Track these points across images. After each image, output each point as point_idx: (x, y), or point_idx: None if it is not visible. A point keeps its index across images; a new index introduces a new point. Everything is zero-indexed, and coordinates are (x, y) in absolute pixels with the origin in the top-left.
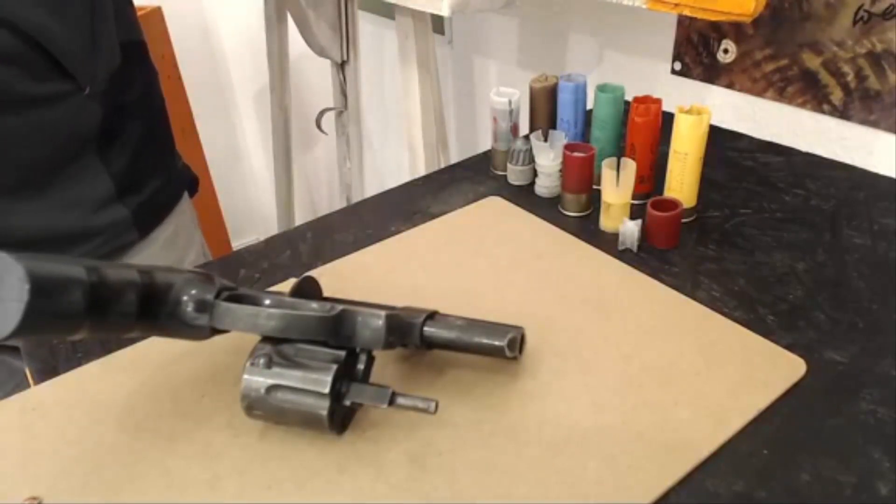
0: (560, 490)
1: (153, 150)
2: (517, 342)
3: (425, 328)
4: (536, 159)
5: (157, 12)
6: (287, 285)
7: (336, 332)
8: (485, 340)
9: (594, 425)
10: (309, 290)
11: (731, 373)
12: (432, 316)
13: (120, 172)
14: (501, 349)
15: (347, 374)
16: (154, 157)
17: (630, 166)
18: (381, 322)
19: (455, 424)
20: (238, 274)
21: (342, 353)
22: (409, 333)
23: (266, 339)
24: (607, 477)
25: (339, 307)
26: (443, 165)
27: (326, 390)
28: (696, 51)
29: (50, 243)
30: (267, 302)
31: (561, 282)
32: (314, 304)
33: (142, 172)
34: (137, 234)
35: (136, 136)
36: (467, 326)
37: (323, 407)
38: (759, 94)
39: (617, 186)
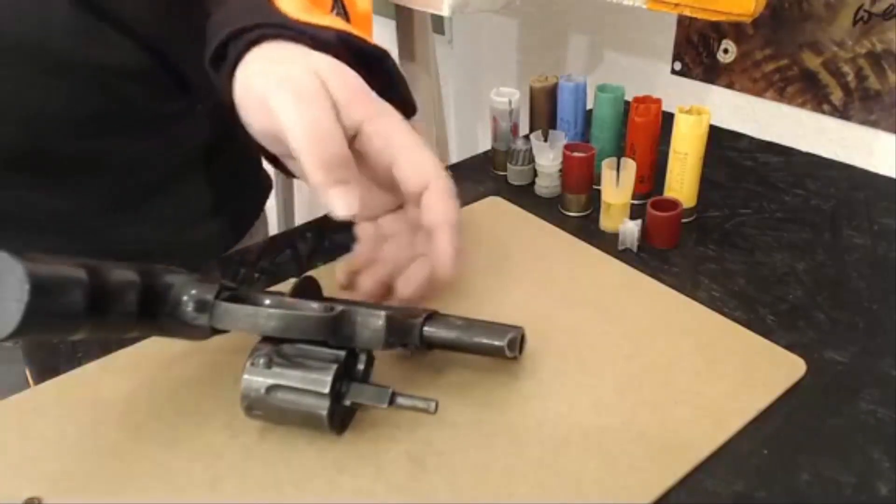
0: (560, 490)
1: (252, 162)
2: (517, 342)
3: (425, 328)
4: (536, 159)
5: None
6: (287, 285)
7: (336, 332)
8: (485, 340)
9: (594, 425)
10: (309, 290)
11: (731, 373)
12: (432, 316)
13: (218, 188)
14: (501, 349)
15: (347, 374)
16: (250, 170)
17: (630, 166)
18: (381, 322)
19: (455, 424)
20: (238, 274)
21: (342, 353)
22: (409, 333)
23: (266, 338)
24: (607, 477)
25: (340, 307)
26: (443, 165)
27: (326, 390)
28: (696, 51)
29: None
30: (267, 302)
31: (561, 282)
32: (314, 305)
33: (238, 188)
34: (224, 250)
35: (240, 150)
36: (467, 326)
37: (323, 407)
38: (759, 94)
39: (617, 186)
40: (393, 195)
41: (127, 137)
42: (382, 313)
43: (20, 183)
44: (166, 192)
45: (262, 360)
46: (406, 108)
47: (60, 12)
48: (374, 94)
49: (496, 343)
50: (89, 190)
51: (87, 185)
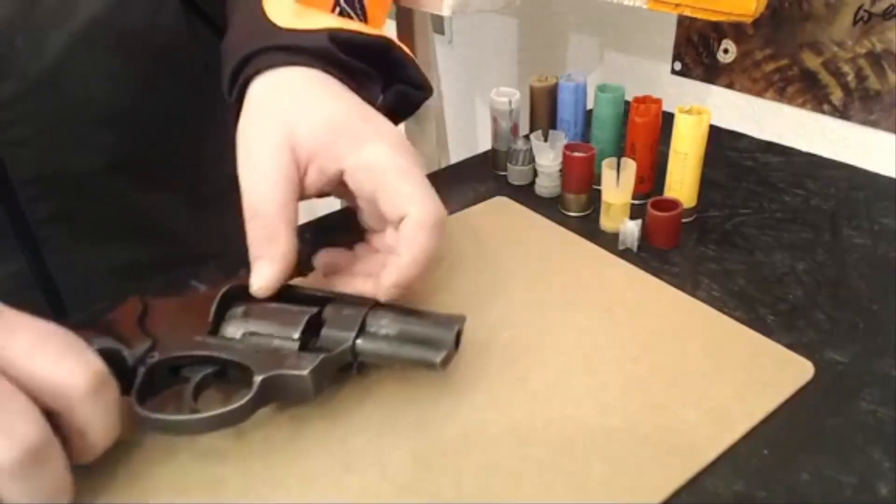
0: (566, 491)
1: None
2: (451, 357)
3: (359, 358)
4: (536, 159)
5: None
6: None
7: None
8: (416, 356)
9: (600, 426)
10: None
11: (738, 375)
12: (360, 332)
13: None
14: (434, 365)
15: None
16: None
17: (630, 166)
18: (306, 379)
19: (460, 425)
20: (238, 273)
21: (314, 310)
22: (343, 364)
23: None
24: (613, 479)
25: (259, 379)
26: (443, 165)
27: (297, 336)
28: (696, 51)
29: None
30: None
31: (567, 282)
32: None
33: None
34: None
35: None
36: (399, 342)
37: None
38: (759, 94)
39: (617, 186)
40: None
41: (206, 135)
42: (306, 373)
43: (122, 187)
44: (229, 192)
45: (239, 311)
46: (422, 90)
47: (169, 8)
48: (349, 130)
49: (429, 359)
50: (177, 190)
51: (175, 186)
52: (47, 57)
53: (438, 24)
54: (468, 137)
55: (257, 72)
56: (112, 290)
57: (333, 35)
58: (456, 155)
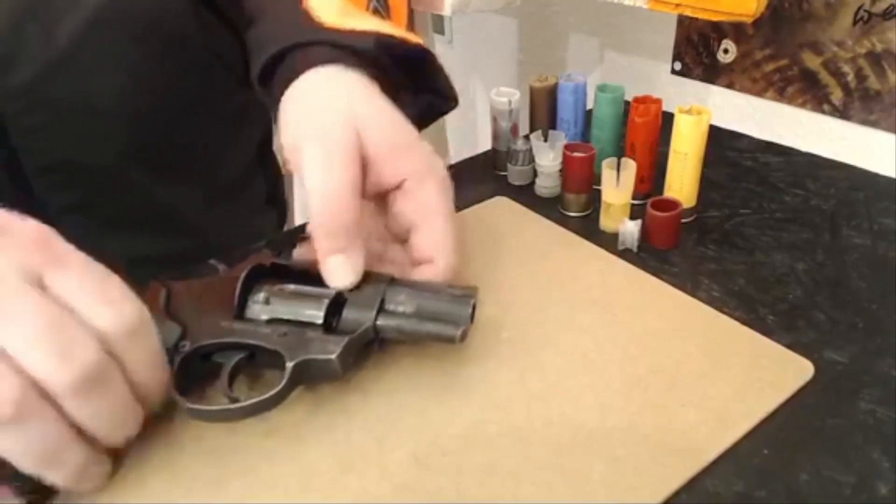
0: (565, 491)
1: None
2: (468, 332)
3: (380, 335)
4: (536, 159)
5: None
6: None
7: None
8: (436, 331)
9: (600, 427)
10: (261, 274)
11: (738, 375)
12: (380, 310)
13: (271, 178)
14: (453, 338)
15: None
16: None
17: (630, 166)
18: (334, 361)
19: (460, 425)
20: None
21: (333, 292)
22: (366, 343)
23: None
24: (613, 479)
25: (291, 366)
26: None
27: (320, 321)
28: (696, 51)
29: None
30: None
31: (567, 282)
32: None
33: (280, 178)
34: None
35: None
36: (417, 317)
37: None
38: (759, 94)
39: (617, 186)
40: (403, 249)
41: (218, 125)
42: (334, 357)
43: (135, 177)
44: (243, 183)
45: (261, 296)
46: (448, 100)
47: None
48: (413, 145)
49: (448, 335)
50: (190, 181)
51: (188, 178)
52: (58, 45)
53: (438, 24)
54: (468, 137)
55: (309, 65)
56: (127, 282)
57: (380, 40)
58: (456, 155)
